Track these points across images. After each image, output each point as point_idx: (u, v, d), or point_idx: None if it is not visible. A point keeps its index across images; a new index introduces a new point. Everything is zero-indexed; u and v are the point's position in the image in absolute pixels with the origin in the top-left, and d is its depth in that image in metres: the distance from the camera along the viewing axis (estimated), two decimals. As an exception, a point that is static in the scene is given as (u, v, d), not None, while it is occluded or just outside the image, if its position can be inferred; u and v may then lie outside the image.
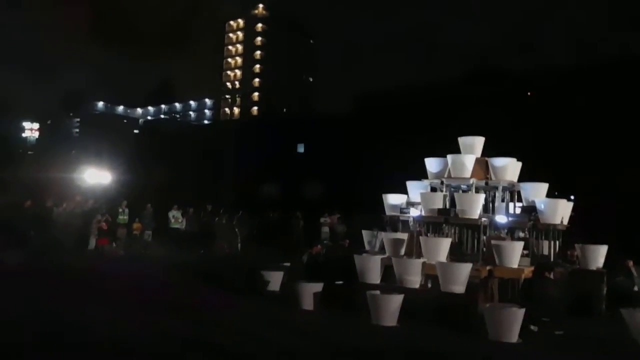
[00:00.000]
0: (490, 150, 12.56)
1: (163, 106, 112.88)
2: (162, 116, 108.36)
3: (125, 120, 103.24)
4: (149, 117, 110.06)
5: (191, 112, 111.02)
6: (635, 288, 10.51)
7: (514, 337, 8.36)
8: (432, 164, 12.61)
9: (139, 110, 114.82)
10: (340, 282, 10.84)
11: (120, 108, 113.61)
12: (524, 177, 12.22)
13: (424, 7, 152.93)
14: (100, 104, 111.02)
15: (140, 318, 8.99)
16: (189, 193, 31.32)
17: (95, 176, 23.00)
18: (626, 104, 27.11)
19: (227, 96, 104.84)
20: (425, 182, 12.59)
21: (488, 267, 10.31)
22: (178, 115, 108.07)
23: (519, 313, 8.46)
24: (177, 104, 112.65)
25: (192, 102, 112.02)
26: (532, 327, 8.80)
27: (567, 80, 30.00)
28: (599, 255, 10.90)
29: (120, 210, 19.45)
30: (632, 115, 26.98)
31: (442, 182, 12.21)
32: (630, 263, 10.75)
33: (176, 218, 20.55)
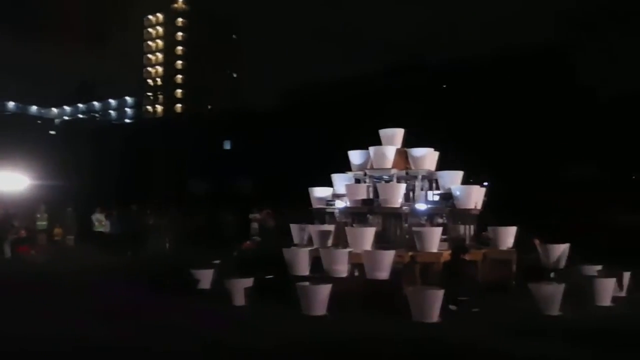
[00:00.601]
0: (409, 141, 13.17)
1: (81, 105, 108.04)
2: (81, 116, 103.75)
3: (39, 121, 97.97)
4: (65, 117, 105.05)
5: (111, 111, 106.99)
6: (541, 264, 11.44)
7: (435, 316, 8.90)
8: (355, 157, 13.06)
9: (55, 110, 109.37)
10: (271, 276, 11.07)
11: (34, 108, 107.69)
12: (442, 165, 12.91)
13: (346, 2, 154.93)
14: (11, 104, 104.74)
15: (69, 324, 8.85)
16: (113, 194, 30.44)
17: (9, 181, 21.92)
18: (533, 93, 28.98)
19: (149, 94, 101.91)
20: (350, 174, 13.03)
21: (410, 253, 10.86)
22: (97, 115, 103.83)
23: (439, 294, 9.01)
24: (95, 103, 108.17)
25: (112, 101, 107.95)
26: (451, 306, 9.39)
27: (480, 72, 31.62)
28: (509, 235, 11.74)
29: (39, 215, 18.73)
30: (540, 103, 28.88)
31: (365, 174, 12.69)
32: (537, 241, 11.67)
33: (100, 221, 20.01)
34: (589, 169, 23.14)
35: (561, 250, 11.29)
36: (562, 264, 11.24)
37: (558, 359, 7.01)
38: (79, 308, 10.06)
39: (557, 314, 9.15)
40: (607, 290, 9.93)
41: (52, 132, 76.92)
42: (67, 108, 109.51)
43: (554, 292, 9.28)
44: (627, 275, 10.80)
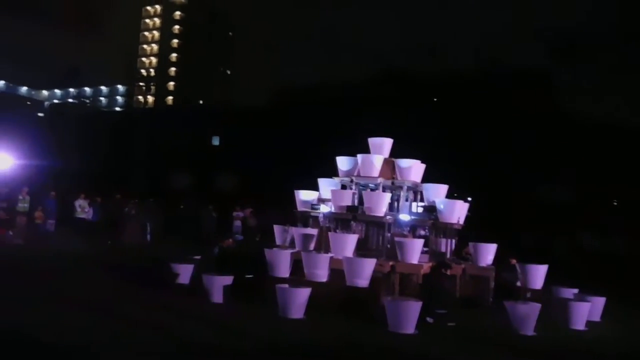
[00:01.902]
0: (396, 151, 13.25)
1: (71, 90, 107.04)
2: (71, 100, 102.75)
3: (29, 102, 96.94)
4: (55, 101, 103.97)
5: (102, 98, 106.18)
6: (518, 283, 11.54)
7: (411, 328, 8.91)
8: (343, 163, 13.10)
9: (45, 93, 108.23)
10: (250, 276, 11.04)
11: (24, 89, 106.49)
12: (427, 178, 13.00)
13: (337, 7, 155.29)
14: (1, 83, 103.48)
15: (45, 311, 8.74)
16: (97, 181, 30.22)
17: (-6, 160, 21.60)
18: (518, 110, 29.31)
19: (142, 84, 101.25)
20: (336, 180, 13.06)
21: (391, 263, 10.90)
22: (88, 100, 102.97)
23: (416, 306, 9.04)
24: (87, 89, 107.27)
25: (103, 88, 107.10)
26: (428, 319, 9.42)
27: (470, 86, 31.91)
28: (489, 253, 11.82)
29: (21, 197, 18.43)
30: (526, 119, 29.20)
31: (351, 180, 12.73)
32: (514, 260, 11.76)
33: (82, 207, 19.77)
34: (569, 192, 23.45)
35: (539, 271, 11.40)
36: (540, 284, 11.35)
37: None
38: (49, 296, 9.93)
39: (531, 334, 9.23)
40: (582, 314, 10.02)
41: (40, 114, 76.10)
42: (57, 91, 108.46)
43: (529, 312, 9.36)
44: (602, 301, 10.90)
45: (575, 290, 11.29)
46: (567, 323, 9.93)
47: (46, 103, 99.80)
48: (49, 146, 37.77)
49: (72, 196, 20.43)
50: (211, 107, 67.03)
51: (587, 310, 10.11)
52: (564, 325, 9.88)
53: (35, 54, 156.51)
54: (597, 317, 10.60)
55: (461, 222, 12.13)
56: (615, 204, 25.95)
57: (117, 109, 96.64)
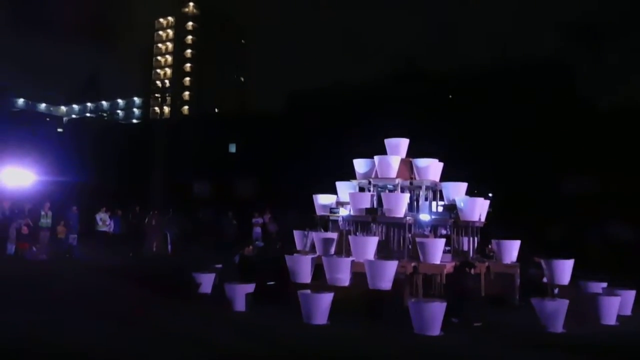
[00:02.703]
0: (414, 150, 13.12)
1: (89, 104, 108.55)
2: (88, 115, 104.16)
3: (48, 119, 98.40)
4: (73, 116, 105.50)
5: (119, 111, 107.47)
6: (544, 279, 11.31)
7: (437, 329, 8.77)
8: (360, 165, 13.02)
9: (63, 108, 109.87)
10: (272, 283, 10.99)
11: (43, 105, 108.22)
12: (445, 176, 12.84)
13: (351, 7, 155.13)
14: (21, 100, 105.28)
15: (69, 323, 8.79)
16: (118, 194, 30.50)
17: (15, 177, 21.93)
18: (537, 105, 28.89)
19: (157, 95, 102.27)
20: (354, 183, 12.99)
21: (413, 264, 10.77)
22: (105, 114, 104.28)
23: (441, 307, 8.89)
24: (104, 102, 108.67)
25: (120, 101, 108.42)
26: (453, 319, 9.28)
27: (484, 81, 31.58)
28: (513, 250, 11.62)
29: (43, 213, 18.64)
30: (544, 114, 28.77)
31: (369, 182, 12.63)
32: (536, 258, 11.51)
33: (104, 220, 19.95)
34: (592, 182, 22.91)
35: (565, 266, 11.16)
36: (566, 280, 11.11)
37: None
38: (75, 309, 10.00)
39: (560, 331, 9.02)
40: (613, 308, 9.77)
41: (59, 130, 77.19)
42: (75, 107, 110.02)
43: (557, 309, 9.15)
44: (632, 294, 10.61)
45: (604, 284, 11.01)
46: (597, 318, 9.68)
47: (65, 119, 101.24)
48: (69, 161, 38.23)
49: (93, 210, 20.63)
50: (226, 114, 67.38)
51: (618, 304, 9.84)
52: (594, 320, 9.63)
53: (52, 70, 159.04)
54: (628, 311, 10.33)
55: (482, 219, 11.95)
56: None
57: (134, 121, 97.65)
